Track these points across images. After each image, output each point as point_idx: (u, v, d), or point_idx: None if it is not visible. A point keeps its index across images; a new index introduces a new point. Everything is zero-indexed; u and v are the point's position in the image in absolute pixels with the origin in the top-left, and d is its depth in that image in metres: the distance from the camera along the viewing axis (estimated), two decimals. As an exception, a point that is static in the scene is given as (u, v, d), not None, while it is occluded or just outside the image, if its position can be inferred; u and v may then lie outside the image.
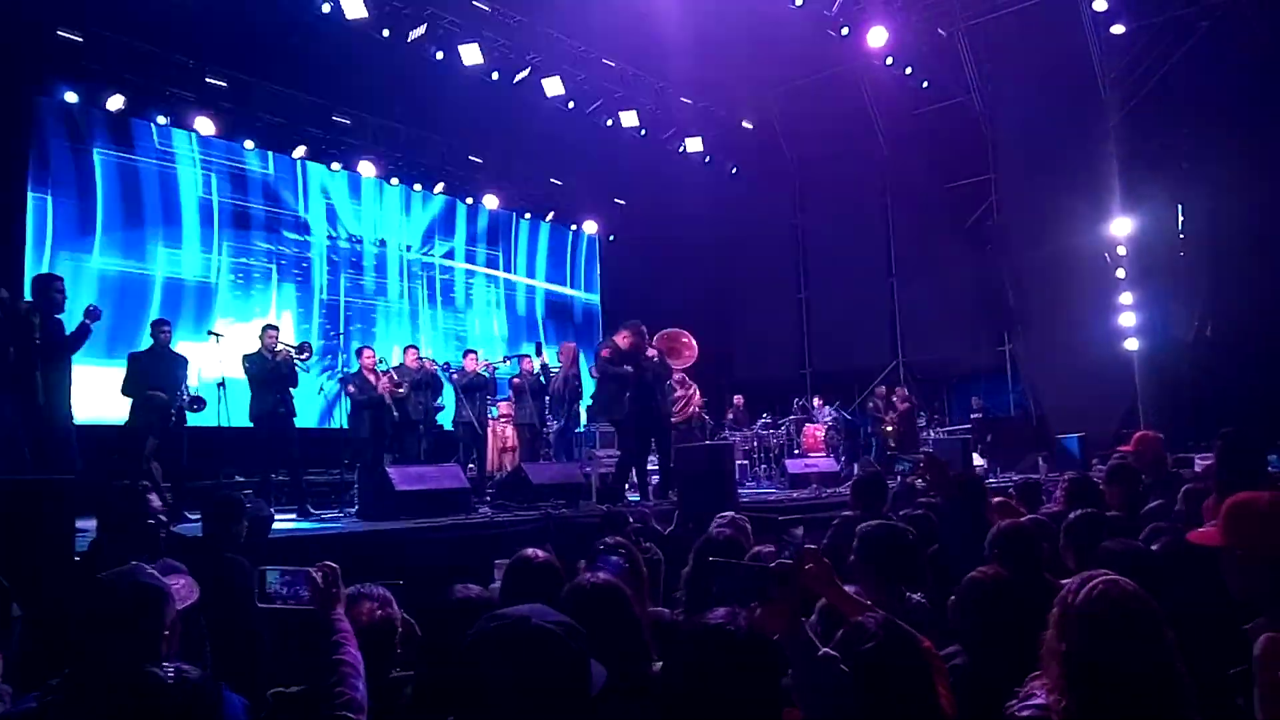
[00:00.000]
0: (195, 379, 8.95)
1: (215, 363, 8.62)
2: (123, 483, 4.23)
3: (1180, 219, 13.39)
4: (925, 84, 15.67)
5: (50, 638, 3.49)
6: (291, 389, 8.91)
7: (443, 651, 2.52)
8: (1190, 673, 1.90)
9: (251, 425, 8.72)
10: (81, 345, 7.32)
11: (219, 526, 4.84)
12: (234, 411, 8.77)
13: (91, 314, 7.21)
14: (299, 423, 9.25)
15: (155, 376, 7.96)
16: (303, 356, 9.10)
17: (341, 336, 13.49)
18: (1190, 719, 1.80)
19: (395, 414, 10.23)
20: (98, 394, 8.78)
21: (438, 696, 2.37)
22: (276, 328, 9.26)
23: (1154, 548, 3.47)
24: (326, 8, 11.45)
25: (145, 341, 8.95)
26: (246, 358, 8.89)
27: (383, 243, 14.87)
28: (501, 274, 16.70)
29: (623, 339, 9.49)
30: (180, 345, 9.05)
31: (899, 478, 8.56)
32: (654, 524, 6.21)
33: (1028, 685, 1.98)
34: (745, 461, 13.45)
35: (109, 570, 2.55)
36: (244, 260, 13.05)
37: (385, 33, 12.16)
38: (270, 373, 8.70)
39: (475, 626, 1.86)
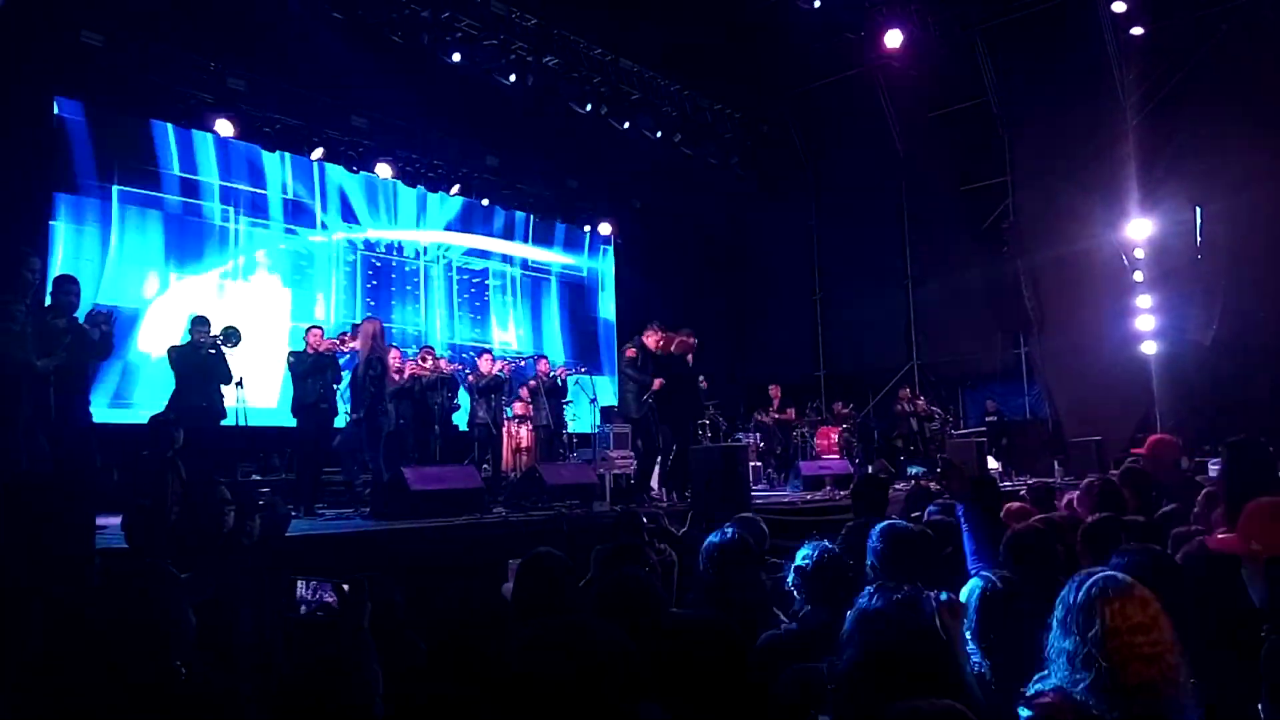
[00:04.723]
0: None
1: (234, 361, 8.64)
2: (209, 477, 4.32)
3: (1199, 222, 13.29)
4: (942, 86, 15.62)
5: (70, 632, 3.54)
6: (336, 385, 9.05)
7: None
8: (1210, 675, 1.91)
9: (279, 423, 8.75)
10: (110, 352, 7.41)
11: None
12: (252, 411, 8.83)
13: (93, 319, 7.20)
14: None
15: (194, 371, 8.04)
16: (346, 348, 9.27)
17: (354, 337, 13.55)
18: (1189, 716, 1.81)
19: (434, 405, 10.27)
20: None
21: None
22: (321, 327, 9.51)
23: (1178, 557, 3.44)
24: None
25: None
26: (292, 354, 9.22)
27: (399, 245, 14.94)
28: (519, 271, 16.75)
29: (650, 338, 9.54)
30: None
31: (912, 481, 8.56)
32: (668, 524, 6.23)
33: (1035, 684, 1.99)
34: (758, 463, 13.44)
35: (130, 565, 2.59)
36: (262, 261, 13.14)
37: (399, 34, 12.22)
38: (312, 365, 8.84)
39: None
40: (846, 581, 3.34)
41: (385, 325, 14.26)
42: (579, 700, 1.69)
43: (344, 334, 9.80)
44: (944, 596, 2.40)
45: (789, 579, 3.44)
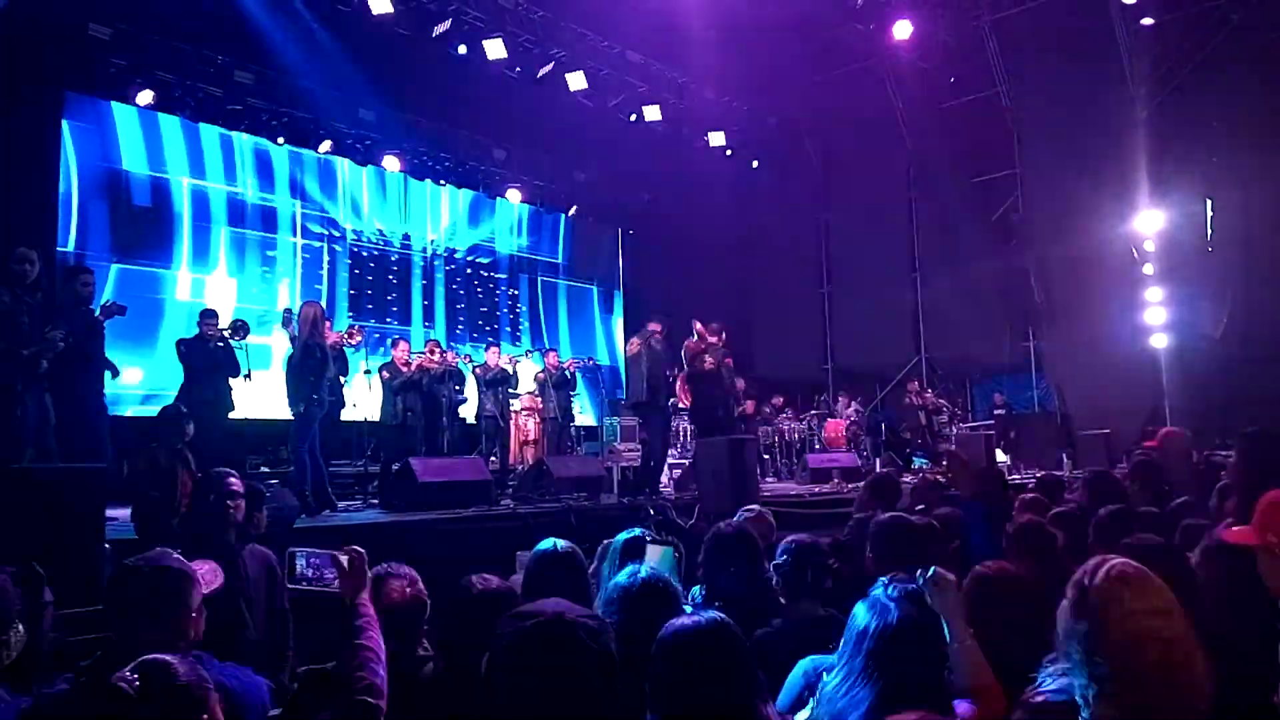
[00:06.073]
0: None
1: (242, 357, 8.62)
2: (219, 468, 4.33)
3: (1209, 214, 13.22)
4: (951, 78, 15.55)
5: (80, 623, 3.55)
6: (343, 378, 8.98)
7: (461, 643, 2.55)
8: (1227, 668, 1.90)
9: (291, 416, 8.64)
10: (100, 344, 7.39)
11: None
12: (261, 403, 8.87)
13: (107, 311, 7.21)
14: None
15: (202, 364, 8.04)
16: (353, 342, 9.25)
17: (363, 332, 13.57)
18: (1205, 704, 1.80)
19: (441, 398, 10.22)
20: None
21: (459, 688, 2.40)
22: (328, 320, 9.38)
23: (1196, 552, 3.41)
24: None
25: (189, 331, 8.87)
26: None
27: (406, 237, 14.96)
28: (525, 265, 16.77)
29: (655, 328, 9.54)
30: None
31: (920, 474, 8.54)
32: (674, 517, 6.24)
33: (1043, 670, 1.99)
34: (766, 456, 13.44)
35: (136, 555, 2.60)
36: (270, 253, 13.16)
37: (409, 27, 12.22)
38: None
39: (508, 625, 1.86)
40: (831, 574, 3.36)
41: (408, 325, 14.35)
42: (554, 704, 1.72)
43: (351, 328, 9.82)
44: (931, 571, 2.40)
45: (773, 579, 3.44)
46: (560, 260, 17.35)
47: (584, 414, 14.79)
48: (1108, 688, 1.79)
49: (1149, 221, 13.62)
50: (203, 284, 12.30)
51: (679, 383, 10.24)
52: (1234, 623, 2.54)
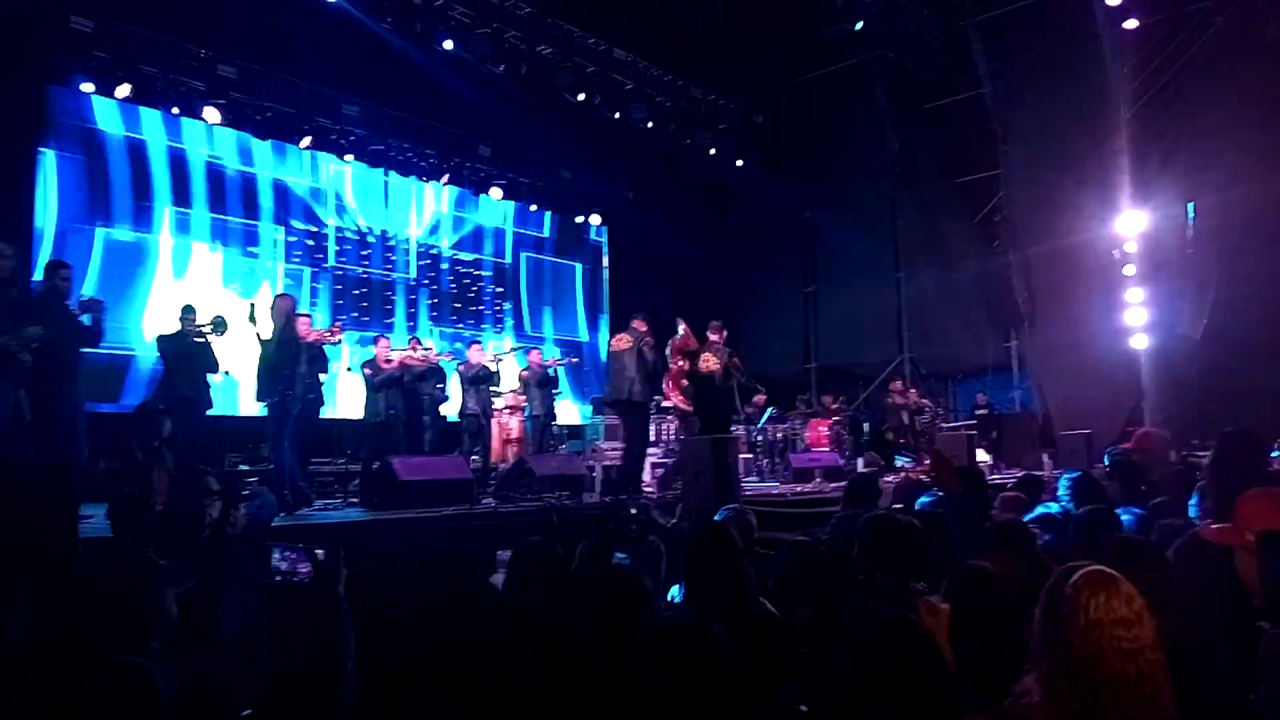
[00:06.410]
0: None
1: (220, 354, 8.54)
2: (195, 466, 4.30)
3: (1191, 215, 13.30)
4: (936, 78, 15.59)
5: (54, 621, 3.50)
6: (322, 374, 8.90)
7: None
8: (1205, 665, 1.90)
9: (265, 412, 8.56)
10: (100, 340, 7.33)
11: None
12: (239, 401, 8.80)
13: (85, 305, 7.13)
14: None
15: (181, 360, 7.96)
16: (334, 339, 9.18)
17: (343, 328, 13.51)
18: (1167, 710, 1.79)
19: (424, 395, 10.15)
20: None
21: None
22: (309, 315, 9.32)
23: (1169, 552, 3.43)
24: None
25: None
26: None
27: (389, 234, 14.88)
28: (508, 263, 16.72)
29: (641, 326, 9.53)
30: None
31: (901, 473, 8.56)
32: (656, 516, 6.23)
33: (1021, 681, 1.98)
34: (749, 455, 13.43)
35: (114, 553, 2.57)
36: (252, 249, 13.08)
37: (392, 22, 12.16)
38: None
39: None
40: (827, 574, 3.36)
41: (401, 325, 14.29)
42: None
43: (333, 325, 9.75)
44: (926, 597, 2.40)
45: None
46: (545, 258, 17.31)
47: (570, 402, 14.75)
48: (1065, 690, 1.79)
49: (1131, 223, 13.68)
50: (186, 257, 12.22)
51: (667, 381, 10.23)
52: (1211, 620, 2.55)
